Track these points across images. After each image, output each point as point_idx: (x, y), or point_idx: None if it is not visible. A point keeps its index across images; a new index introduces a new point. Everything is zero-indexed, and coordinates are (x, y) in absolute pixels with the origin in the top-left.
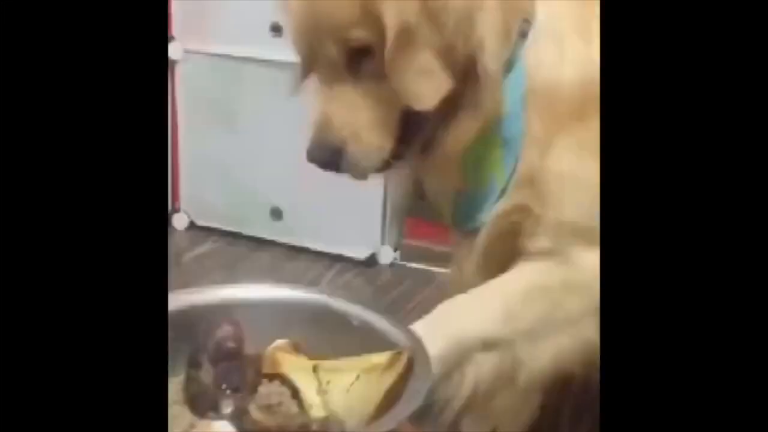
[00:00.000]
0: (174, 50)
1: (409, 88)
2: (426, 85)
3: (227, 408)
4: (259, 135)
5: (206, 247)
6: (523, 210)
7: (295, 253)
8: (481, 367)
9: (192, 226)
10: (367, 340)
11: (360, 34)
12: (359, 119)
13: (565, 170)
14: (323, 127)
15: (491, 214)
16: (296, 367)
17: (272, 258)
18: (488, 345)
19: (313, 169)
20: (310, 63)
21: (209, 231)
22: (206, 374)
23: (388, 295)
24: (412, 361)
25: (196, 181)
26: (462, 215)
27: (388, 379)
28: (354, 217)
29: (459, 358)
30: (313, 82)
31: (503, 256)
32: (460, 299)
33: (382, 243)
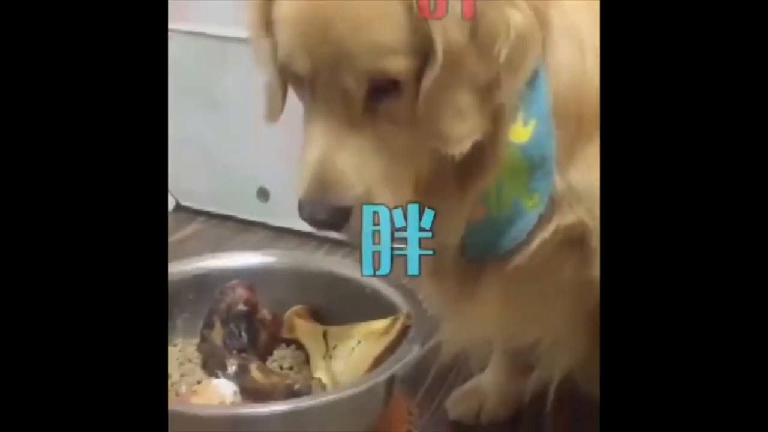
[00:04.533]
0: None
1: (441, 130)
2: (460, 129)
3: (232, 367)
4: (246, 115)
5: (192, 228)
6: (574, 231)
7: (282, 235)
8: None
9: (178, 207)
10: (377, 307)
11: (396, 65)
12: (373, 173)
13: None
14: (327, 184)
15: (529, 242)
16: (309, 333)
17: (259, 239)
18: None
19: (301, 149)
20: (312, 94)
21: (195, 213)
22: (217, 335)
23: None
24: (408, 327)
25: (182, 163)
26: (476, 243)
27: (383, 343)
28: None
29: None
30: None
31: (538, 285)
32: None
33: None
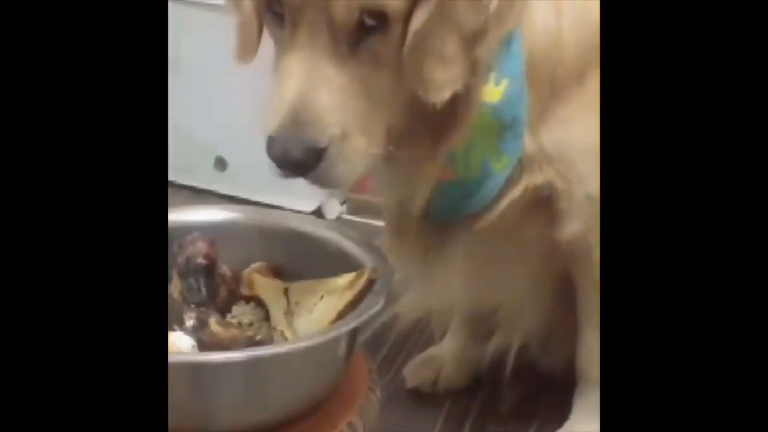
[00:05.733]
0: None
1: (424, 75)
2: (443, 75)
3: (190, 321)
4: (205, 81)
5: None
6: (541, 192)
7: (239, 205)
8: None
9: None
10: (342, 264)
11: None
12: (351, 115)
13: (582, 141)
14: (304, 121)
15: (497, 203)
16: (269, 289)
17: None
18: None
19: (260, 117)
20: (293, 25)
21: None
22: (175, 288)
23: None
24: (373, 281)
25: None
26: (442, 206)
27: (346, 297)
28: None
29: None
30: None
31: (503, 247)
32: None
33: (329, 196)
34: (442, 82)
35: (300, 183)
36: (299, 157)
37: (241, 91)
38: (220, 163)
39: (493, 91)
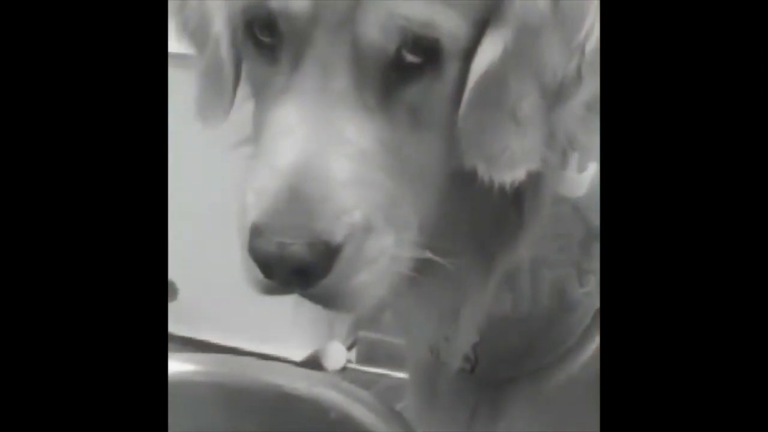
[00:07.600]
0: None
1: (489, 145)
2: (517, 144)
3: None
4: None
5: None
6: None
7: (193, 353)
8: None
9: None
10: None
11: (447, 22)
12: (376, 195)
13: None
14: (311, 200)
15: (579, 349)
16: None
17: None
18: None
19: (215, 231)
20: (296, 55)
21: None
22: None
23: None
24: None
25: None
26: (495, 355)
27: None
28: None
29: None
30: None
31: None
32: None
33: (330, 336)
34: (516, 155)
35: (284, 314)
36: (302, 256)
37: (198, 199)
38: (169, 289)
39: (574, 181)
